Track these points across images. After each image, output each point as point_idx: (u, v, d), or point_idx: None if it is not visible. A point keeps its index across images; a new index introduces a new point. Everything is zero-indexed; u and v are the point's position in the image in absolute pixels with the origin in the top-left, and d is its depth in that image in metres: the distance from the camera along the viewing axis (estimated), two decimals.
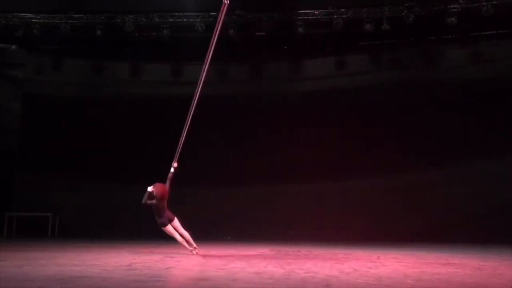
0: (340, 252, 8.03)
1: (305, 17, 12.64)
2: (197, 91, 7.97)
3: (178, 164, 7.98)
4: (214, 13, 12.80)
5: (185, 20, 12.93)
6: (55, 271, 4.83)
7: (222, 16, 7.65)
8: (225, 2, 7.52)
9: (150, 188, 7.45)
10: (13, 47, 14.77)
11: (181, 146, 8.07)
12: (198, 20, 12.77)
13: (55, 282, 4.08)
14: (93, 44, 13.86)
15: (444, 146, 12.87)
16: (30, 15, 12.95)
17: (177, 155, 8.04)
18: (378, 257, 6.99)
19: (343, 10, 12.59)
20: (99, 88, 14.74)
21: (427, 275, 4.80)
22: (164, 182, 7.75)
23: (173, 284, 4.06)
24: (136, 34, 13.09)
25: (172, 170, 7.95)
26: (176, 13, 12.88)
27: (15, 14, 12.90)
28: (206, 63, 7.91)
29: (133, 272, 4.78)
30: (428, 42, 13.77)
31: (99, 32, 12.91)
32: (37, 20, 12.97)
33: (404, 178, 12.90)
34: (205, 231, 12.87)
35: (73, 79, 14.60)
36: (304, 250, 8.55)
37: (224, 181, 13.42)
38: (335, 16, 12.54)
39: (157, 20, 12.94)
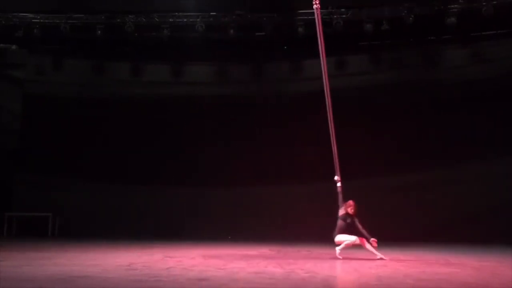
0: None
1: (305, 17, 12.61)
2: (327, 91, 8.12)
3: (340, 177, 7.52)
4: (214, 13, 12.84)
5: (185, 20, 12.92)
6: (55, 271, 4.83)
7: (319, 20, 7.74)
8: (316, 6, 7.52)
9: (342, 211, 7.28)
10: (13, 47, 14.77)
11: (337, 156, 7.73)
12: (198, 20, 12.76)
13: (55, 282, 4.08)
14: (93, 44, 13.86)
15: (444, 146, 12.86)
16: (30, 15, 12.95)
17: (337, 167, 7.66)
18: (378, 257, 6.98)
19: (343, 10, 12.57)
20: (99, 88, 14.74)
21: (427, 275, 4.80)
22: None
23: (173, 284, 4.06)
24: (136, 34, 13.07)
25: (339, 184, 7.59)
26: (176, 13, 12.87)
27: (15, 14, 12.90)
28: (324, 63, 8.32)
29: (133, 272, 4.78)
30: (428, 42, 13.75)
31: (99, 32, 12.90)
32: (37, 20, 12.97)
33: (404, 178, 12.89)
34: (205, 231, 12.91)
35: (74, 79, 14.60)
36: (304, 250, 8.55)
37: (224, 181, 13.43)
38: (335, 16, 12.52)
39: (157, 20, 12.93)
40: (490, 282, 4.45)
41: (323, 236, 12.16)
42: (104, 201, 13.59)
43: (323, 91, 13.78)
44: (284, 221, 12.95)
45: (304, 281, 4.32)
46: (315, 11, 7.72)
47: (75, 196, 13.56)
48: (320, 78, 14.07)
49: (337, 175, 7.51)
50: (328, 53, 14.07)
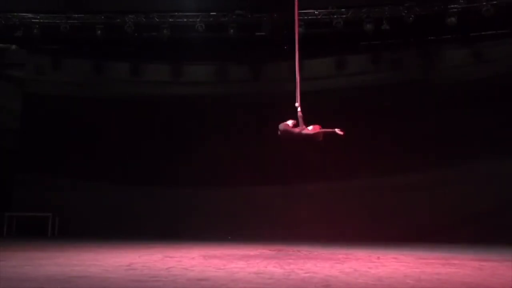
0: (340, 252, 8.03)
1: (305, 17, 12.61)
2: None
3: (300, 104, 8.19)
4: (214, 13, 12.85)
5: (185, 20, 12.92)
6: (55, 271, 4.83)
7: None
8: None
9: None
10: (13, 47, 14.76)
11: (299, 84, 8.57)
12: (198, 20, 12.76)
13: (55, 282, 4.08)
14: (93, 44, 13.86)
15: (444, 146, 12.86)
16: (30, 15, 12.94)
17: (298, 95, 8.51)
18: (378, 257, 6.99)
19: (343, 10, 12.57)
20: (99, 88, 14.73)
21: (427, 275, 4.80)
22: None
23: (173, 284, 4.06)
24: (136, 34, 13.07)
25: (299, 109, 8.30)
26: (176, 13, 12.87)
27: (15, 14, 12.88)
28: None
29: (133, 272, 4.78)
30: (428, 42, 13.76)
31: (99, 32, 12.90)
32: (37, 20, 12.96)
33: (404, 178, 12.89)
34: (205, 231, 12.91)
35: (73, 79, 14.59)
36: (304, 250, 8.55)
37: (224, 181, 13.44)
38: (335, 16, 12.52)
39: (157, 20, 12.92)
40: (490, 282, 4.44)
41: (323, 236, 12.23)
42: (104, 201, 13.58)
43: (323, 91, 13.88)
44: (284, 221, 12.95)
45: (304, 281, 4.32)
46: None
47: (75, 196, 13.57)
48: (321, 78, 14.24)
49: (298, 102, 8.37)
50: (328, 53, 14.28)
